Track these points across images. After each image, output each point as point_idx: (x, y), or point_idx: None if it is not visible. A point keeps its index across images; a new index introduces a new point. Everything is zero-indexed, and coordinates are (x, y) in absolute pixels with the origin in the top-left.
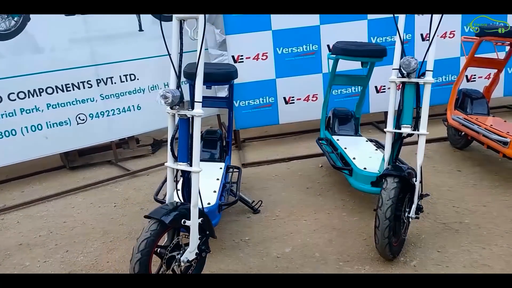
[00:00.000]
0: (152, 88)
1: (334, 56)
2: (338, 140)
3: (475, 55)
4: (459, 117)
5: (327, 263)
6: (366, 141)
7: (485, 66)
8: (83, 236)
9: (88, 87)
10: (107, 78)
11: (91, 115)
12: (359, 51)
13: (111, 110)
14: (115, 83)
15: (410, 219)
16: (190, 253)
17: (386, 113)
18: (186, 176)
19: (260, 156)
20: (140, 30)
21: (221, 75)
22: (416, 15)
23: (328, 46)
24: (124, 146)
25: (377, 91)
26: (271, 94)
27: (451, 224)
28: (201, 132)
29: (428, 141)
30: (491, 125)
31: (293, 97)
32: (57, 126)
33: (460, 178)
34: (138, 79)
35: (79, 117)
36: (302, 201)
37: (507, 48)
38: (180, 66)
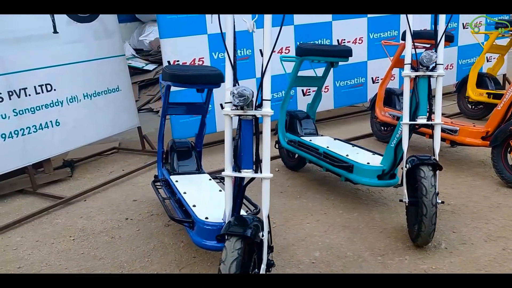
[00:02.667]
0: (71, 100)
1: (300, 57)
2: (311, 140)
3: (400, 57)
4: (391, 113)
5: (366, 260)
6: (334, 139)
7: None
8: None
9: None
10: (20, 90)
11: (3, 136)
12: (329, 51)
13: (27, 128)
14: (29, 95)
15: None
16: (262, 270)
17: None
18: (244, 185)
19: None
20: (55, 32)
21: (216, 76)
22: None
23: (260, 50)
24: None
25: (304, 94)
26: None
27: (443, 206)
28: (171, 144)
29: (356, 138)
30: None
31: None
32: None
33: None
34: (55, 89)
35: None
36: (288, 206)
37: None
38: (235, 62)
